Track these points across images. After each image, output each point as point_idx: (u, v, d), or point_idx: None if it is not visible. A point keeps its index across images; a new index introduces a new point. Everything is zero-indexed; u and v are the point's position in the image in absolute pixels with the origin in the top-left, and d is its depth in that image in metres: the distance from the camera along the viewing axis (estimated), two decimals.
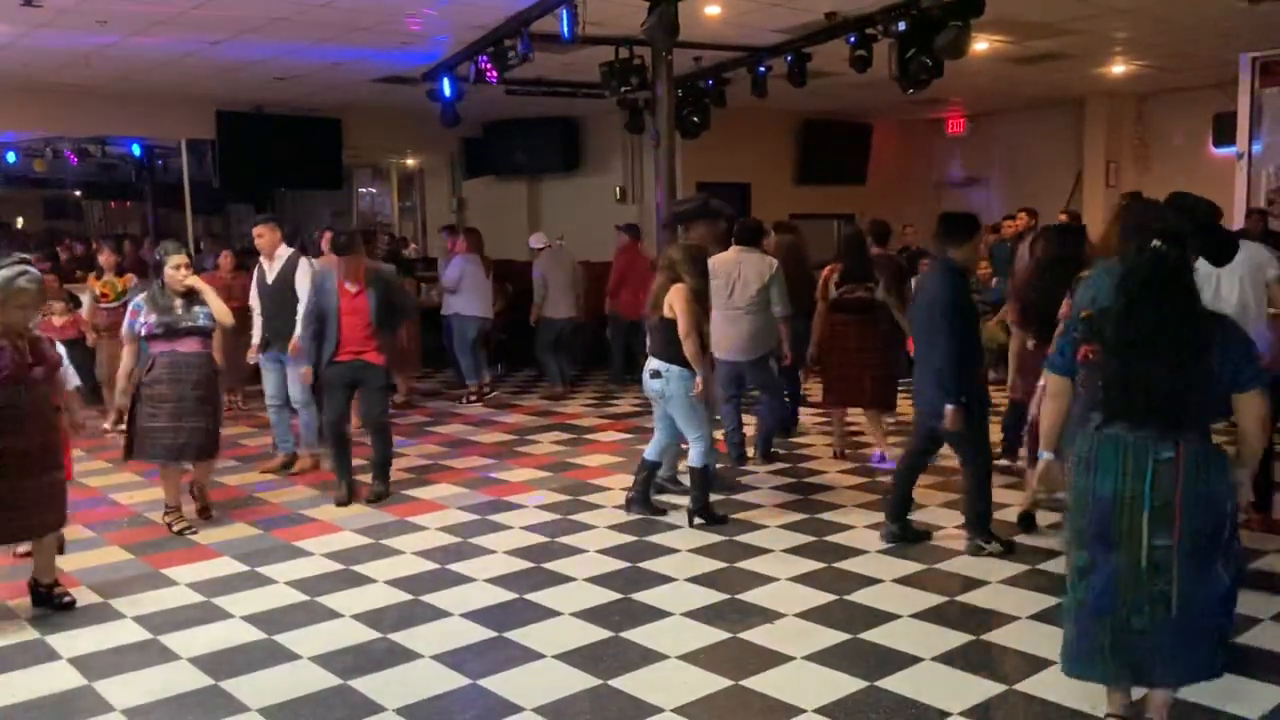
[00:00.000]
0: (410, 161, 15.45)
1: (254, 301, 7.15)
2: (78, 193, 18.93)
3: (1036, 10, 8.56)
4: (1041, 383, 4.04)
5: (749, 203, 13.20)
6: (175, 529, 5.80)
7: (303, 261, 7.00)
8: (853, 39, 8.62)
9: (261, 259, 7.14)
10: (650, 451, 6.02)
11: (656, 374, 5.70)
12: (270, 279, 7.00)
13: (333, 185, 14.15)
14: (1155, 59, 11.03)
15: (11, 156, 15.22)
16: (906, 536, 5.38)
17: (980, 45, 9.29)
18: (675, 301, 5.57)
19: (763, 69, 9.99)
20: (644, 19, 7.21)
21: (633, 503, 6.00)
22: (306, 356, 6.46)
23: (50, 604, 4.65)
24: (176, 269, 5.74)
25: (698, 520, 5.73)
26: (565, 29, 7.66)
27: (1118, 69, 11.55)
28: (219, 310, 5.85)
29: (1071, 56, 10.56)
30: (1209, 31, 9.43)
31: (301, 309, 6.66)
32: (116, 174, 17.22)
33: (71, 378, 5.26)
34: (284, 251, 7.06)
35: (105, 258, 9.01)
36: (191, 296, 5.78)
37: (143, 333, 5.70)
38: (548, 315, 10.50)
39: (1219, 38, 9.56)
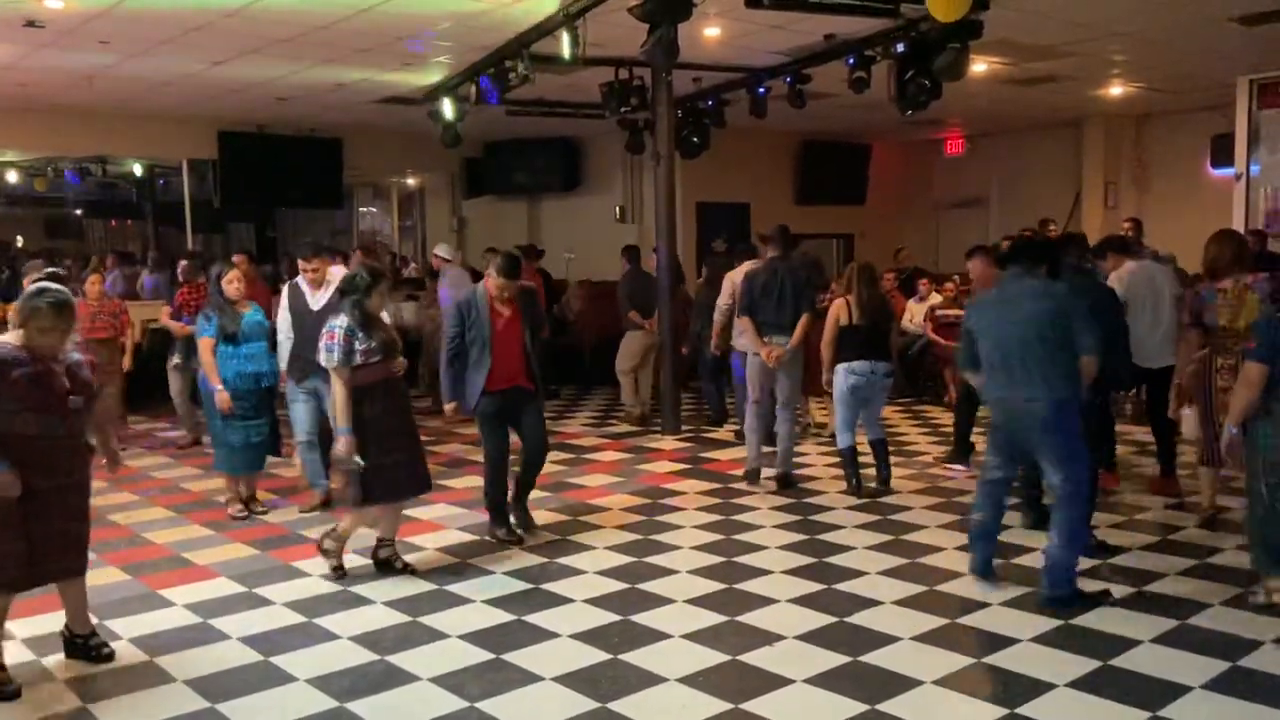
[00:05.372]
0: (411, 181, 15.51)
1: (283, 327, 6.63)
2: (78, 211, 18.99)
3: (1035, 33, 8.61)
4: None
5: (749, 223, 13.24)
6: (397, 565, 5.42)
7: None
8: (851, 61, 8.67)
9: (305, 285, 6.60)
10: (849, 439, 6.91)
11: (892, 372, 6.89)
12: (316, 306, 6.45)
13: (334, 204, 14.22)
14: (1153, 81, 11.09)
15: (13, 175, 15.26)
16: (1103, 547, 5.54)
17: (979, 67, 9.34)
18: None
19: (762, 90, 10.05)
20: (644, 40, 7.24)
21: (857, 491, 6.83)
22: (453, 392, 5.97)
23: (87, 656, 4.27)
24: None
25: (883, 487, 6.86)
26: (566, 50, 7.70)
27: (1116, 91, 11.60)
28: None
29: (1070, 78, 10.61)
30: (1206, 54, 9.49)
31: (447, 338, 6.04)
32: (117, 193, 17.28)
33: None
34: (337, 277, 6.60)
35: None
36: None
37: (359, 360, 5.14)
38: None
39: (1216, 60, 9.62)
